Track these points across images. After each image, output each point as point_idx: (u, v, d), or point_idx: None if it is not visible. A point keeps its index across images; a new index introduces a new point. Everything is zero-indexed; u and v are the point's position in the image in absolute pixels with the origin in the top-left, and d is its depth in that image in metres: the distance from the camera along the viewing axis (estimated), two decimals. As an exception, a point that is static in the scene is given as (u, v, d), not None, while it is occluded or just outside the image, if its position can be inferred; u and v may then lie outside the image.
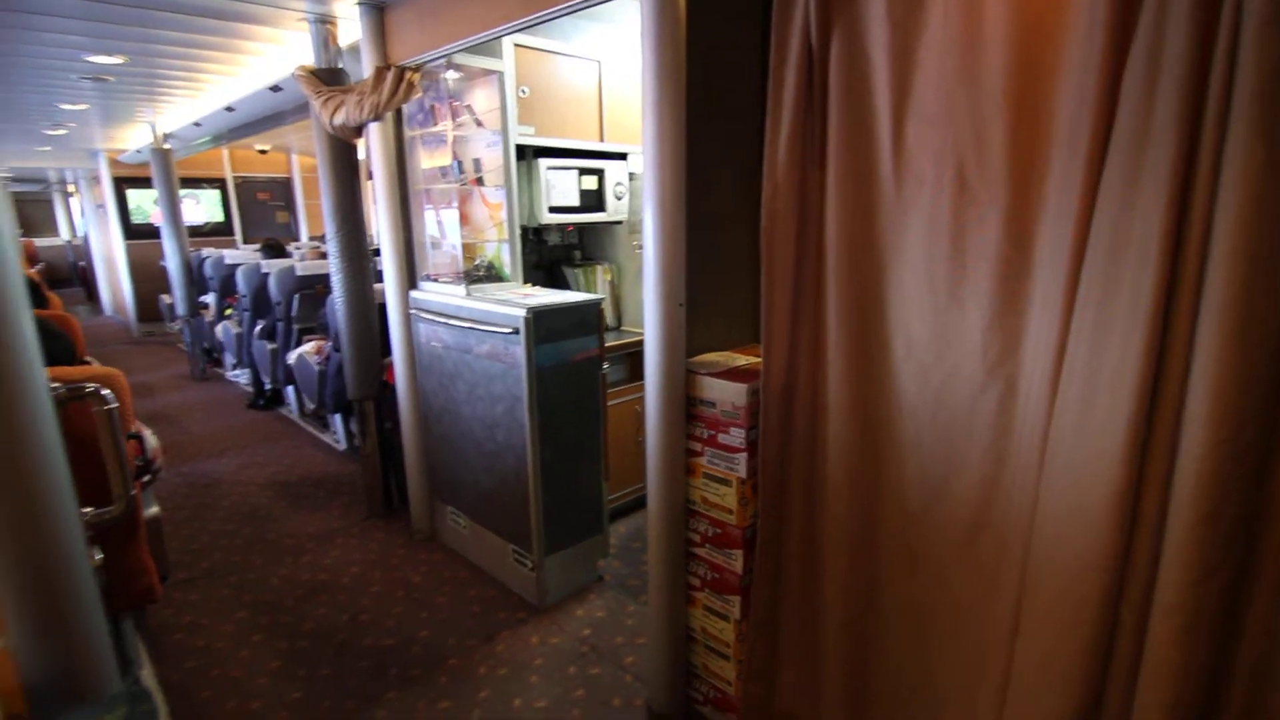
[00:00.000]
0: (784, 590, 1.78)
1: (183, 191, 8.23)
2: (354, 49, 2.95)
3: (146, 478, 2.00)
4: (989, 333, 1.35)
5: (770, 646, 1.81)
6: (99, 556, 0.95)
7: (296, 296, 4.72)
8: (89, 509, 0.99)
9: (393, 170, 2.90)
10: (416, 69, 2.60)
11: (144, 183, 7.78)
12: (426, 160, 2.94)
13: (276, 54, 3.59)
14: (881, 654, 1.64)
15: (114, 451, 1.00)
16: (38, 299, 2.65)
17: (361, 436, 3.33)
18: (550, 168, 2.96)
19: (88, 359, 2.67)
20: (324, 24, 2.94)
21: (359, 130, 2.84)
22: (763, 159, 1.59)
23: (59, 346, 1.90)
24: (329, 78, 2.92)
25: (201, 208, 8.75)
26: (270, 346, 4.92)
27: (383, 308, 3.11)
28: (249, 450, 4.41)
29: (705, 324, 1.95)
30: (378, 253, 3.11)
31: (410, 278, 3.00)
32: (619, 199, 3.25)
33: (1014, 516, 1.34)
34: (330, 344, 3.91)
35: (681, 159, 1.71)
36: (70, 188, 11.64)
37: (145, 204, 8.45)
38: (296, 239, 8.85)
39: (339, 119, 2.76)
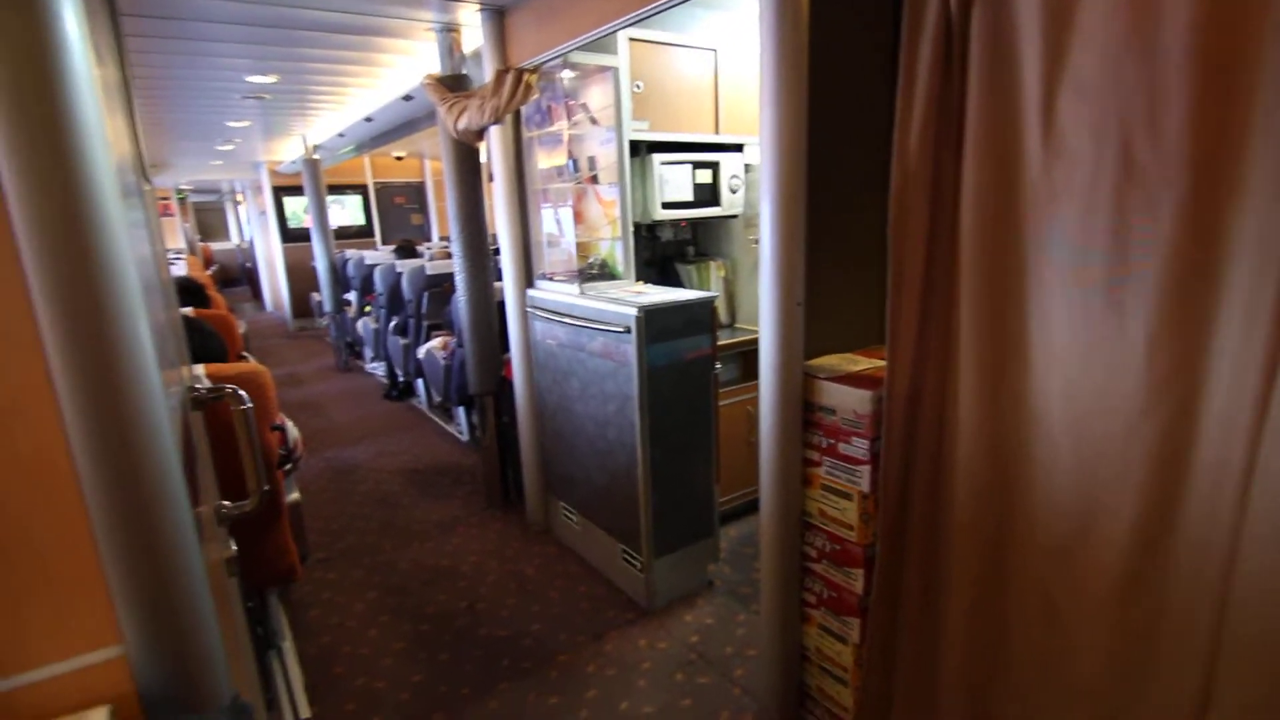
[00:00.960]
0: (902, 620, 1.62)
1: (330, 197, 9.00)
2: (477, 55, 3.04)
3: (288, 466, 2.15)
4: (1155, 344, 1.12)
5: (885, 679, 1.67)
6: (234, 548, 1.00)
7: (426, 294, 5.00)
8: (228, 503, 1.05)
9: (512, 171, 2.97)
10: (534, 70, 2.64)
11: (298, 190, 8.55)
12: (544, 160, 2.99)
13: (408, 65, 3.78)
14: (1005, 717, 1.45)
15: (250, 449, 1.05)
16: (201, 300, 2.95)
17: (481, 430, 3.45)
18: (664, 162, 2.91)
19: (245, 355, 2.94)
20: (449, 32, 3.06)
21: (481, 134, 2.93)
22: (890, 147, 1.45)
23: (214, 345, 2.09)
24: (454, 84, 3.04)
25: (346, 212, 9.52)
26: (403, 341, 5.24)
27: (502, 305, 3.20)
28: (383, 439, 4.72)
29: (825, 324, 1.82)
30: (498, 252, 3.20)
31: (528, 276, 3.06)
32: (734, 192, 3.15)
33: (1188, 574, 1.12)
34: (455, 340, 4.10)
35: (802, 149, 1.60)
36: (238, 197, 13.06)
37: (299, 210, 9.30)
38: (428, 239, 9.41)
39: (462, 123, 2.86)
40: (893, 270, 1.49)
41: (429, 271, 5.02)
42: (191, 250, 10.87)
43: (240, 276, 14.05)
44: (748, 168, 3.16)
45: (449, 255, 5.46)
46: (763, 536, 1.84)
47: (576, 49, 2.48)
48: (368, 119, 5.21)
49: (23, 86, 0.44)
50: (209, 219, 15.35)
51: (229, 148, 6.96)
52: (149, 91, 4.10)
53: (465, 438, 4.57)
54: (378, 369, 6.47)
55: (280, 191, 9.13)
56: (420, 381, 5.38)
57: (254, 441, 1.08)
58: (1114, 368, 1.19)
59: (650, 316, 2.33)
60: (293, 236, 9.19)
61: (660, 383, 2.42)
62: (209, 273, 8.41)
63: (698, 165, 3.02)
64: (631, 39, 2.70)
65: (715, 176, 3.08)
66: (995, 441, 1.39)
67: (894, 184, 1.45)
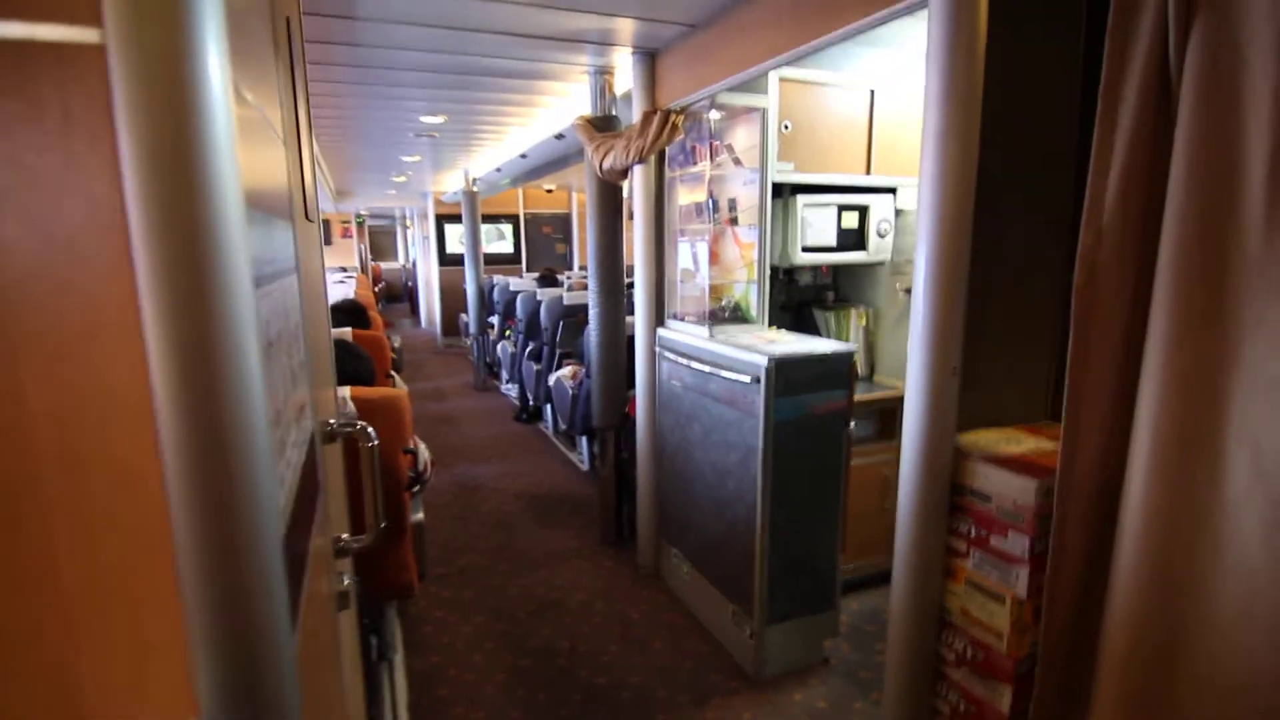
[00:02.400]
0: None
1: (486, 226, 9.64)
2: (627, 96, 3.10)
3: (416, 488, 2.23)
4: None
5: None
6: (346, 581, 1.00)
7: (561, 323, 5.15)
8: (346, 535, 1.07)
9: (651, 210, 2.98)
10: (681, 111, 2.64)
11: (457, 219, 9.23)
12: (685, 198, 2.97)
13: (562, 106, 3.96)
14: None
15: (371, 486, 1.06)
16: (362, 321, 3.19)
17: (601, 464, 3.45)
18: (808, 204, 2.79)
19: (392, 375, 3.14)
20: (602, 75, 3.15)
21: (625, 173, 2.97)
22: (1073, 199, 1.26)
23: (364, 368, 2.22)
24: (602, 124, 3.11)
25: (506, 241, 10.17)
26: (536, 367, 5.43)
27: (632, 340, 3.20)
28: (509, 460, 4.87)
29: (982, 394, 1.61)
30: (632, 286, 3.21)
31: (659, 315, 3.03)
32: (882, 237, 2.95)
33: None
34: (585, 370, 4.16)
35: (968, 196, 1.43)
36: (407, 222, 14.38)
37: (457, 236, 10.04)
38: (569, 268, 9.80)
39: (608, 163, 2.91)
40: (1075, 339, 1.28)
41: (566, 301, 5.17)
42: (363, 269, 12.06)
43: (403, 294, 15.40)
44: (899, 212, 2.96)
45: (585, 286, 5.62)
46: (892, 628, 1.63)
47: (725, 90, 2.44)
48: (523, 155, 5.52)
49: (160, 125, 0.44)
50: (381, 241, 17.02)
51: (402, 179, 7.66)
52: (339, 129, 4.59)
53: (585, 467, 4.61)
54: (511, 390, 6.75)
55: (442, 219, 9.91)
56: (549, 407, 5.53)
57: (376, 479, 1.09)
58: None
59: (781, 367, 2.20)
60: (449, 260, 9.92)
61: (787, 437, 2.27)
62: (376, 289, 9.26)
63: (844, 208, 2.86)
64: (783, 79, 2.63)
65: (863, 220, 2.91)
66: (1197, 557, 1.13)
67: (1083, 241, 1.24)
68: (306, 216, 1.09)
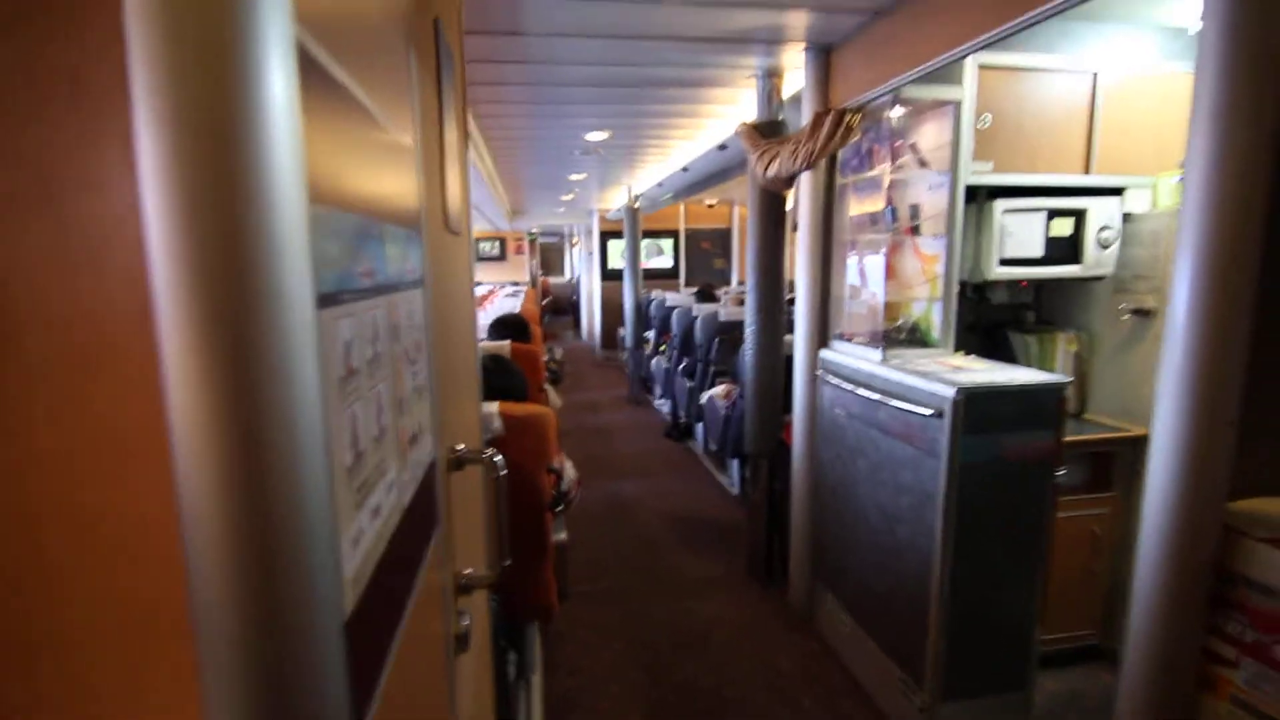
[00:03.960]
0: None
1: (647, 241, 9.76)
2: (795, 100, 2.89)
3: (560, 508, 2.18)
4: None
5: None
6: (466, 623, 0.91)
7: (716, 340, 4.99)
8: (470, 570, 0.98)
9: (819, 220, 2.73)
10: (858, 110, 2.38)
11: (620, 235, 9.44)
12: (856, 207, 2.69)
13: (727, 115, 3.82)
14: None
15: (495, 521, 0.97)
16: (523, 334, 3.25)
17: (753, 491, 3.23)
18: (1008, 210, 2.40)
19: (546, 388, 3.16)
20: (770, 78, 2.96)
21: (790, 181, 2.76)
22: None
23: (516, 383, 2.21)
24: (769, 130, 2.92)
25: (665, 256, 10.26)
26: (689, 384, 5.31)
27: (790, 362, 2.96)
28: (658, 477, 4.79)
29: (1262, 447, 1.21)
30: (792, 302, 2.98)
31: (822, 335, 2.77)
32: (1104, 248, 2.47)
33: None
34: (739, 390, 3.97)
35: (1259, 186, 1.07)
36: (574, 238, 15.03)
37: (618, 252, 10.28)
38: (727, 283, 9.64)
39: (772, 170, 2.71)
40: None
41: (722, 318, 5.01)
42: (533, 283, 12.75)
43: (568, 307, 16.11)
44: (1127, 217, 2.46)
45: (742, 302, 5.43)
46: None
47: (911, 82, 2.16)
48: (684, 169, 5.46)
49: (193, 93, 0.33)
50: (550, 256, 17.97)
51: (570, 197, 7.96)
52: (509, 148, 4.81)
53: (735, 491, 4.39)
54: (664, 406, 6.70)
55: (605, 235, 10.20)
56: (700, 426, 5.38)
57: (503, 510, 1.00)
58: None
59: (972, 400, 1.87)
60: (610, 275, 10.17)
61: (976, 483, 1.93)
62: (544, 303, 9.67)
63: (1054, 213, 2.43)
64: (982, 66, 2.29)
65: (1079, 227, 2.45)
66: None
67: None
68: (448, 228, 1.03)
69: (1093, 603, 2.48)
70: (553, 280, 16.68)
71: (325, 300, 0.44)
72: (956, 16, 1.83)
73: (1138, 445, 2.34)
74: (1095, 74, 2.38)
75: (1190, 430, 1.14)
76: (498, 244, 12.90)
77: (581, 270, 13.02)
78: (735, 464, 4.40)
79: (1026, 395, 1.93)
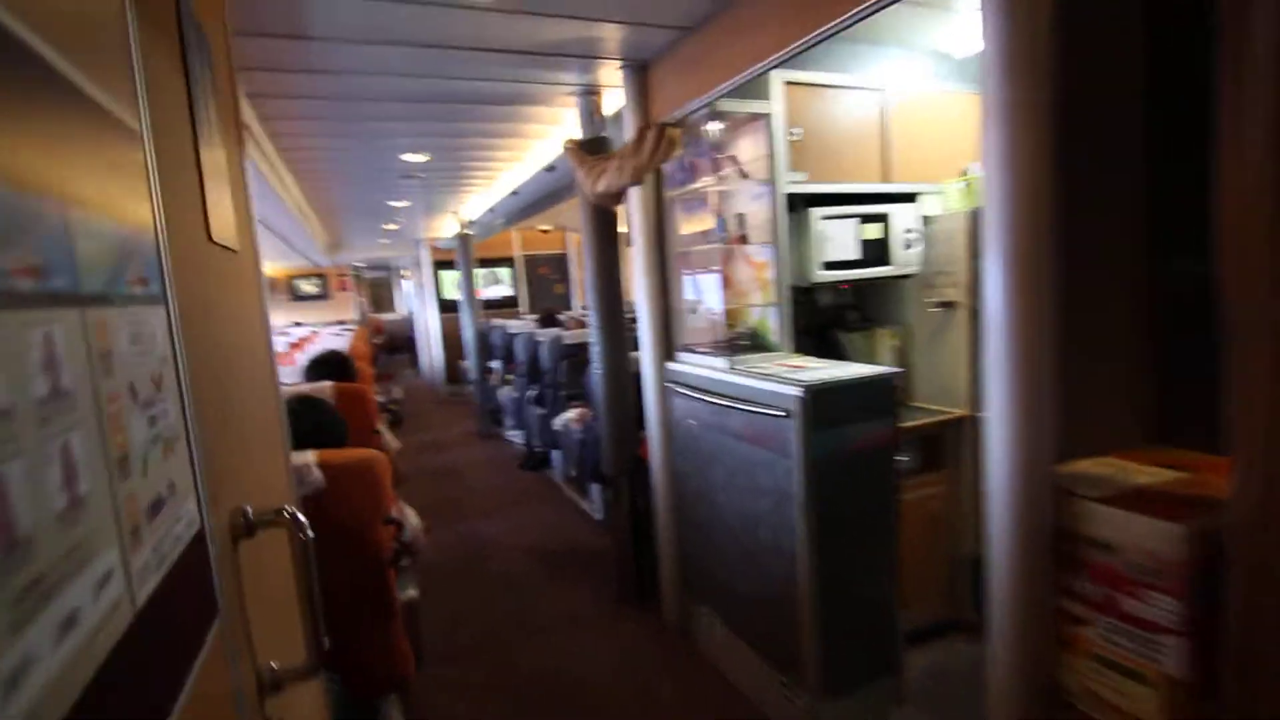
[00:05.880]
0: None
1: (484, 270, 9.44)
2: (617, 118, 2.89)
3: (404, 562, 1.93)
4: None
5: None
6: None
7: (563, 364, 4.88)
8: (275, 663, 0.78)
9: (652, 234, 2.73)
10: (678, 124, 2.41)
11: (454, 264, 9.07)
12: (685, 222, 2.72)
13: (550, 135, 3.75)
14: None
15: (304, 593, 0.78)
16: (345, 373, 2.93)
17: (614, 515, 3.14)
18: (825, 217, 2.54)
19: (379, 430, 2.85)
20: (589, 95, 2.94)
21: (619, 196, 2.73)
22: (1210, 155, 0.99)
23: (333, 427, 1.93)
24: (593, 147, 2.89)
25: (503, 285, 9.98)
26: (539, 411, 5.14)
27: (639, 378, 2.92)
28: (515, 511, 4.55)
29: (1069, 416, 1.32)
30: (634, 319, 2.95)
31: (668, 348, 2.76)
32: (908, 248, 2.69)
33: None
34: (592, 413, 3.88)
35: (1045, 181, 1.17)
36: (404, 272, 14.24)
37: (453, 283, 9.86)
38: (569, 308, 9.59)
39: (601, 186, 2.67)
40: (1239, 343, 0.99)
41: (566, 340, 4.92)
42: (362, 321, 11.86)
43: (405, 344, 15.20)
44: (926, 220, 2.70)
45: (583, 325, 5.37)
46: (991, 714, 1.32)
47: (725, 96, 2.21)
48: (514, 193, 5.33)
49: None
50: (381, 292, 16.89)
51: (394, 227, 7.49)
52: (317, 171, 4.39)
53: (599, 516, 4.28)
54: (517, 437, 6.45)
55: (439, 265, 9.74)
56: (556, 453, 5.22)
57: (313, 582, 0.81)
58: None
59: (818, 397, 1.92)
60: (448, 307, 9.72)
61: (829, 478, 1.98)
62: (377, 341, 8.97)
63: (865, 219, 2.61)
64: (788, 82, 2.41)
65: (886, 231, 2.65)
66: None
67: (1225, 215, 0.97)
68: (212, 240, 0.83)
69: (940, 578, 2.66)
70: (386, 317, 15.66)
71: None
72: (756, 34, 1.90)
73: (961, 425, 2.56)
74: (883, 90, 2.60)
75: (1016, 405, 1.21)
76: (318, 281, 11.84)
77: (415, 304, 12.34)
78: (596, 488, 4.30)
79: (865, 387, 2.02)
